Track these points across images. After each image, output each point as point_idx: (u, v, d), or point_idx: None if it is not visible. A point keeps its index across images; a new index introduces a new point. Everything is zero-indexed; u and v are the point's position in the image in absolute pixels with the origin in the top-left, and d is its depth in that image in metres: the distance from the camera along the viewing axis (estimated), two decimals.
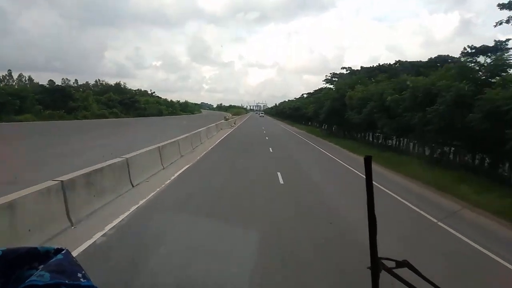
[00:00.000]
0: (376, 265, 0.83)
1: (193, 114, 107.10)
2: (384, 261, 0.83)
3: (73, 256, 0.51)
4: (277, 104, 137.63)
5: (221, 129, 29.22)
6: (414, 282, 0.81)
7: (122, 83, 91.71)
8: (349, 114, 21.65)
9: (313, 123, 48.11)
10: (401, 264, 0.84)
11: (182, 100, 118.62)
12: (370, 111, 18.30)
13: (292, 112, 61.64)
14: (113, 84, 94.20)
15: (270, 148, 18.53)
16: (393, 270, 0.83)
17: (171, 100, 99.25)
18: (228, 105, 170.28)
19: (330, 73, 51.01)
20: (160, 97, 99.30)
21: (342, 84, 26.26)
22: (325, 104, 27.95)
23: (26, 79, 65.78)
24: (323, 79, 49.47)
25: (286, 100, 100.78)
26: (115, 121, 46.20)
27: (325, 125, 35.49)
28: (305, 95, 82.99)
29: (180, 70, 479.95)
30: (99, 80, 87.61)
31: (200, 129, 20.17)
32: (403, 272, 0.82)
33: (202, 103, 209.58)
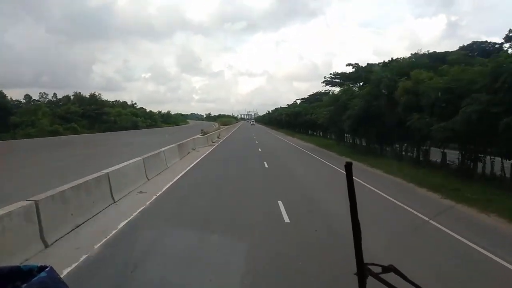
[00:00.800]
0: (362, 271, 0.82)
1: (177, 125, 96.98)
2: (371, 267, 0.83)
3: (57, 274, 0.50)
4: (270, 111, 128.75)
5: (190, 151, 18.89)
6: (401, 286, 0.82)
7: (97, 94, 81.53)
8: (414, 116, 11.88)
9: (320, 131, 38.42)
10: (387, 269, 0.83)
11: (172, 112, 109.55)
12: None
13: (290, 120, 51.97)
14: (87, 96, 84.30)
15: (281, 205, 7.71)
16: (380, 275, 0.83)
17: (150, 111, 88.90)
18: (217, 114, 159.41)
19: (331, 73, 41.85)
20: (144, 108, 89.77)
21: (391, 71, 16.39)
22: (350, 106, 18.20)
23: None
24: (322, 81, 42.72)
25: (278, 107, 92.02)
26: (56, 140, 35.40)
27: (350, 137, 25.57)
28: (298, 101, 74.98)
29: (170, 82, 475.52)
30: (78, 92, 77.47)
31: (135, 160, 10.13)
32: (389, 277, 0.82)
33: (192, 113, 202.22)
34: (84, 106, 51.66)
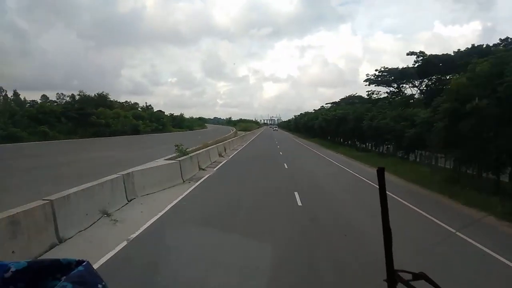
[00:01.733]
0: (393, 277, 0.81)
1: (191, 130, 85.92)
2: (401, 273, 0.82)
3: (93, 268, 0.52)
4: (296, 116, 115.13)
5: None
6: None
7: (105, 94, 72.34)
8: None
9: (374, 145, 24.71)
10: (418, 276, 0.81)
11: (196, 116, 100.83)
12: None
13: (329, 126, 38.37)
14: (93, 96, 74.81)
15: None
16: (410, 282, 0.81)
17: (158, 111, 78.31)
18: (238, 119, 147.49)
19: (378, 70, 32.66)
20: (162, 111, 79.97)
21: None
22: None
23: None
24: (365, 79, 34.04)
25: (305, 112, 78.45)
26: None
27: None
28: (328, 105, 62.65)
29: (195, 86, 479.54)
30: (82, 92, 69.30)
31: None
32: (420, 285, 0.80)
33: (215, 117, 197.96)
34: (66, 106, 40.86)
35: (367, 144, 30.83)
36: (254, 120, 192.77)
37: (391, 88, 33.82)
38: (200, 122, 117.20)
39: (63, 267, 0.51)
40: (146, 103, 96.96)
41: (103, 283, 0.50)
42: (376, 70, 32.77)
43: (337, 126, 34.96)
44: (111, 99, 75.57)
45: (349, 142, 35.94)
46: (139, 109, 66.97)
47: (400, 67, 31.04)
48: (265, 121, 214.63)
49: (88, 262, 0.52)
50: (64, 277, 0.49)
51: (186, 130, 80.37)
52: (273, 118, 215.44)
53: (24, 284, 0.49)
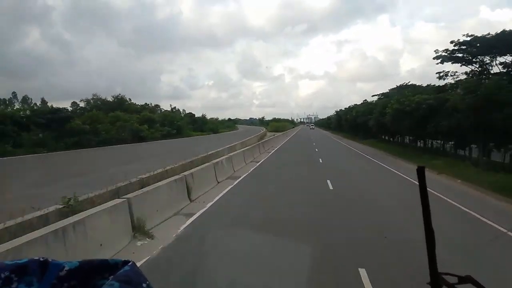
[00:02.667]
0: (436, 281, 0.78)
1: (215, 133, 75.01)
2: (445, 276, 0.78)
3: (138, 268, 0.54)
4: (337, 111, 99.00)
5: None
6: None
7: (122, 96, 64.80)
8: None
9: None
10: (464, 279, 0.78)
11: (232, 117, 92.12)
12: None
13: (400, 120, 24.00)
14: (111, 99, 67.31)
15: None
16: (456, 286, 0.78)
17: (171, 112, 68.65)
18: (271, 118, 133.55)
19: (455, 41, 21.27)
20: (191, 113, 71.04)
21: None
22: None
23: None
24: (435, 56, 22.62)
25: (343, 108, 63.01)
26: None
27: None
28: (374, 97, 49.36)
29: (231, 88, 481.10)
30: (96, 95, 62.63)
31: None
32: None
33: (250, 118, 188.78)
34: (35, 111, 31.21)
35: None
36: (290, 119, 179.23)
37: (471, 67, 21.69)
38: (229, 123, 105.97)
39: (111, 267, 0.54)
40: (171, 105, 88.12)
41: (147, 282, 0.52)
42: (452, 43, 21.19)
43: (422, 121, 20.46)
44: (132, 102, 67.73)
45: (455, 149, 21.14)
46: (148, 112, 56.90)
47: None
48: (302, 120, 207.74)
49: (133, 262, 0.55)
50: (111, 276, 0.52)
51: (209, 133, 69.38)
52: (310, 116, 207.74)
53: (77, 282, 0.52)
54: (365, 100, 53.22)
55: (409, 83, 43.03)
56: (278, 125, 74.26)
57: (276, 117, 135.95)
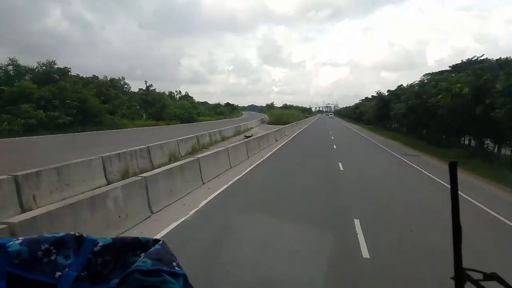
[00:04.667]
0: (461, 276, 0.77)
1: (219, 118, 57.96)
2: (470, 272, 0.78)
3: (168, 247, 0.57)
4: (363, 100, 79.14)
5: None
6: None
7: (120, 78, 52.57)
8: None
9: None
10: (489, 276, 0.75)
11: (250, 103, 77.86)
12: None
13: None
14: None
15: None
16: (480, 282, 0.76)
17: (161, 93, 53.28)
18: (281, 105, 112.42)
19: None
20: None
21: None
22: None
23: None
24: None
25: (366, 98, 43.83)
26: None
27: None
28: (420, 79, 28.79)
29: (251, 74, 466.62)
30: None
31: None
32: (491, 286, 0.75)
33: (267, 104, 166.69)
34: None
35: None
36: (308, 107, 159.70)
37: None
38: (222, 110, 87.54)
39: (142, 245, 0.57)
40: (176, 90, 72.27)
41: (177, 261, 0.54)
42: None
43: None
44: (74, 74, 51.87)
45: None
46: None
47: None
48: (321, 108, 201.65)
49: (163, 241, 0.57)
50: (143, 253, 0.54)
51: (213, 119, 52.33)
52: (329, 105, 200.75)
53: (110, 257, 0.56)
54: (401, 85, 34.14)
55: (484, 58, 24.00)
56: (286, 114, 54.62)
57: (287, 103, 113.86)
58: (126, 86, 54.78)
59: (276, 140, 22.52)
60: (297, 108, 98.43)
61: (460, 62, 30.25)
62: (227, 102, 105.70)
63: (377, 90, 38.41)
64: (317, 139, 26.01)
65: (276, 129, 26.46)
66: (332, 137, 27.22)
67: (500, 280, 0.74)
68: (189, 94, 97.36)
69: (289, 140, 24.44)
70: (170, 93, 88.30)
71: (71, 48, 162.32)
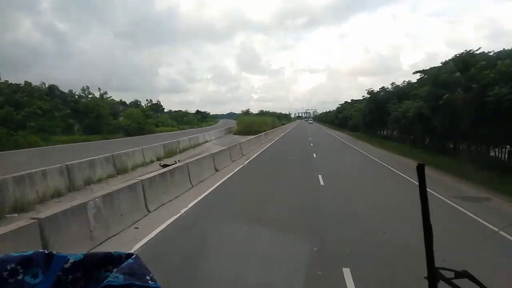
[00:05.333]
0: (434, 275, 0.78)
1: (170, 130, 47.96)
2: (442, 271, 0.79)
3: (142, 261, 0.55)
4: (344, 103, 72.05)
5: None
6: None
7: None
8: None
9: None
10: (461, 274, 0.78)
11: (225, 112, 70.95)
12: None
13: None
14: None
15: None
16: (452, 280, 0.78)
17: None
18: (258, 111, 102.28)
19: None
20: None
21: None
22: None
23: None
24: None
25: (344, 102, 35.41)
26: None
27: None
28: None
29: (230, 82, 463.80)
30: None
31: None
32: (463, 283, 0.77)
33: (242, 111, 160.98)
34: None
35: None
36: (288, 113, 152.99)
37: None
38: (189, 118, 77.67)
39: (115, 259, 0.54)
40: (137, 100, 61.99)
41: (151, 275, 0.52)
42: None
43: None
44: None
45: None
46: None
47: None
48: (300, 114, 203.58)
49: (137, 255, 0.55)
50: (115, 268, 0.52)
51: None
52: (308, 111, 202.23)
53: (81, 274, 0.53)
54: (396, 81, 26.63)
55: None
56: (254, 122, 45.43)
57: (272, 111, 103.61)
58: (85, 95, 45.27)
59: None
60: (274, 114, 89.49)
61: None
62: (197, 110, 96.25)
63: (368, 89, 29.65)
64: (292, 160, 16.94)
65: (237, 142, 17.43)
66: (315, 155, 18.28)
67: (471, 278, 0.76)
68: (161, 103, 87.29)
69: (248, 162, 15.33)
70: (137, 101, 77.89)
71: (43, 59, 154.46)
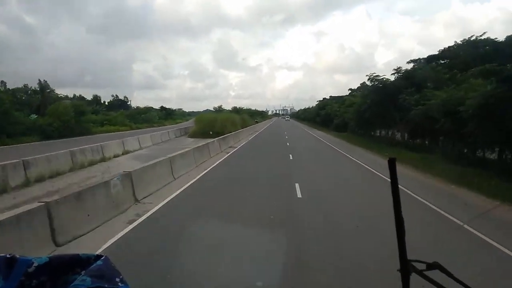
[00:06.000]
0: (406, 267, 0.81)
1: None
2: (414, 263, 0.81)
3: (111, 262, 0.53)
4: (324, 99, 64.96)
5: None
6: (446, 285, 0.76)
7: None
8: None
9: None
10: (432, 266, 0.80)
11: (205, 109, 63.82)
12: None
13: None
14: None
15: None
16: (424, 272, 0.79)
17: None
18: (231, 108, 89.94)
19: None
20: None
21: None
22: None
23: None
24: None
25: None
26: None
27: None
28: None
29: (208, 78, 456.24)
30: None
31: None
32: (434, 274, 0.77)
33: (214, 108, 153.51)
34: None
35: None
36: (265, 110, 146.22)
37: None
38: (149, 116, 66.43)
39: (83, 261, 0.52)
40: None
41: (121, 277, 0.50)
42: None
43: None
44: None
45: None
46: None
47: None
48: (277, 111, 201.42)
49: (106, 256, 0.53)
50: (84, 271, 0.50)
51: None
52: (286, 108, 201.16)
53: (47, 278, 0.50)
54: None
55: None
56: (215, 120, 34.75)
57: (247, 107, 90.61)
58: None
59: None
60: (250, 111, 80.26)
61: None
62: (162, 106, 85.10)
63: (370, 74, 20.72)
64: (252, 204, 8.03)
65: (169, 156, 8.66)
66: (298, 187, 9.59)
67: (442, 269, 0.77)
68: (127, 98, 75.82)
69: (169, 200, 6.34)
70: (97, 97, 66.20)
71: (10, 53, 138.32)
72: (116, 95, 76.42)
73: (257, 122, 57.14)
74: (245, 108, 78.13)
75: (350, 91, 43.81)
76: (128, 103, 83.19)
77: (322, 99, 68.95)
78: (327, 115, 45.74)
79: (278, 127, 53.23)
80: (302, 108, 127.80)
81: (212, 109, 71.33)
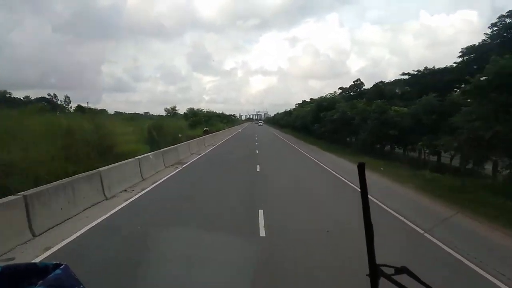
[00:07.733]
0: (375, 272, 0.81)
1: None
2: (383, 268, 0.82)
3: (71, 271, 0.50)
4: (297, 106, 66.69)
5: None
6: None
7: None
8: None
9: None
10: (400, 270, 0.81)
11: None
12: None
13: None
14: None
15: None
16: (392, 276, 0.81)
17: None
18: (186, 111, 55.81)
19: None
20: None
21: None
22: None
23: None
24: None
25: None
26: None
27: None
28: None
29: (180, 82, 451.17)
30: None
31: None
32: (402, 279, 0.79)
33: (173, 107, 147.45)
34: None
35: None
36: (239, 115, 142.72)
37: None
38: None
39: (40, 271, 0.49)
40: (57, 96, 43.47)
41: (81, 286, 0.48)
42: None
43: None
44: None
45: None
46: None
47: None
48: (251, 116, 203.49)
49: (66, 265, 0.50)
50: (41, 281, 0.47)
51: None
52: (260, 113, 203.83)
53: None
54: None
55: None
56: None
57: (215, 111, 68.43)
58: None
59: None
60: (212, 114, 60.17)
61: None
62: (79, 105, 71.59)
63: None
64: None
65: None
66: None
67: (409, 273, 0.78)
68: (70, 98, 67.06)
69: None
70: (28, 97, 55.76)
71: None
72: (54, 94, 62.81)
73: (206, 132, 32.96)
74: (205, 111, 55.58)
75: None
76: (69, 103, 68.26)
77: (295, 105, 66.95)
78: (302, 124, 45.42)
79: (249, 137, 40.58)
80: (281, 112, 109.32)
81: (165, 114, 50.87)
